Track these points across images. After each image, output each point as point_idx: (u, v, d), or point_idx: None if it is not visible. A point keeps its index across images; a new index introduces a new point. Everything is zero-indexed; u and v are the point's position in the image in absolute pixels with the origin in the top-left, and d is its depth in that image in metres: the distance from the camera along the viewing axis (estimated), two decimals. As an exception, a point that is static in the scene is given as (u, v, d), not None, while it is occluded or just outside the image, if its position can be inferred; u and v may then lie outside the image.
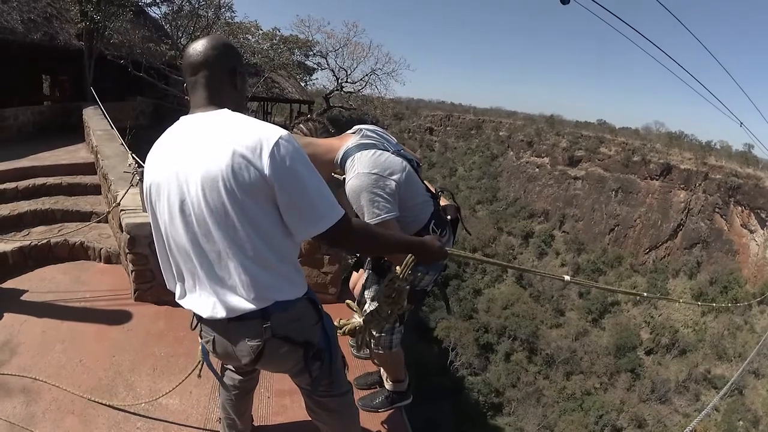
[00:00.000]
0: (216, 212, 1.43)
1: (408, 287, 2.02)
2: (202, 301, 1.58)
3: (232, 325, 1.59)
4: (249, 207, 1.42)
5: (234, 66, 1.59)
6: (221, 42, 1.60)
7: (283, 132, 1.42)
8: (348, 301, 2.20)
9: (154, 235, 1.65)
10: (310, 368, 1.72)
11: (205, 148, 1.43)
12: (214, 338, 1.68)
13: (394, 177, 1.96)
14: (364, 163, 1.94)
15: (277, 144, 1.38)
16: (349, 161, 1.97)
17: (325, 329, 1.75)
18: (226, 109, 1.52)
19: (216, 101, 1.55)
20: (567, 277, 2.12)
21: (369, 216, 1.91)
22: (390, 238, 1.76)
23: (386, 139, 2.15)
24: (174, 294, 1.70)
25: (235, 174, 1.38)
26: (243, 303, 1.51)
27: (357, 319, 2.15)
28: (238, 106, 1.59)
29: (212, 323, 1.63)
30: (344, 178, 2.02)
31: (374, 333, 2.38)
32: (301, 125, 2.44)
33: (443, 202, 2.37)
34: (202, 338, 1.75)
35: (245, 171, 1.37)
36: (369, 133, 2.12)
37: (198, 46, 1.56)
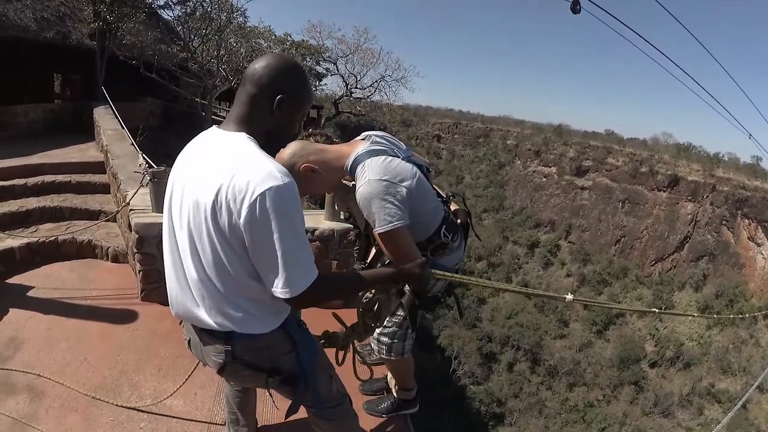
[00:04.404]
0: (196, 238, 1.46)
1: (389, 301, 2.02)
2: (179, 302, 1.61)
3: (203, 335, 1.62)
4: (223, 246, 1.42)
5: (281, 92, 1.50)
6: (280, 64, 1.52)
7: (277, 183, 1.34)
8: (335, 311, 2.18)
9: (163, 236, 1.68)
10: (278, 390, 1.75)
11: (205, 174, 1.43)
12: (190, 339, 1.72)
13: (404, 183, 1.92)
14: (375, 170, 1.90)
15: (262, 195, 1.32)
16: (359, 168, 1.95)
17: (299, 358, 1.69)
18: (244, 135, 1.48)
19: (244, 121, 1.51)
20: (569, 296, 2.06)
21: (380, 223, 1.89)
22: (362, 282, 1.76)
23: (395, 144, 2.13)
24: None
25: (215, 212, 1.38)
26: (208, 320, 1.54)
27: (339, 333, 2.16)
28: (270, 134, 1.55)
29: (190, 324, 1.67)
30: (354, 185, 2.00)
31: (356, 344, 2.39)
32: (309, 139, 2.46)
33: (453, 206, 2.36)
34: (184, 335, 1.79)
35: (224, 212, 1.37)
36: (378, 140, 2.10)
37: (260, 61, 1.52)
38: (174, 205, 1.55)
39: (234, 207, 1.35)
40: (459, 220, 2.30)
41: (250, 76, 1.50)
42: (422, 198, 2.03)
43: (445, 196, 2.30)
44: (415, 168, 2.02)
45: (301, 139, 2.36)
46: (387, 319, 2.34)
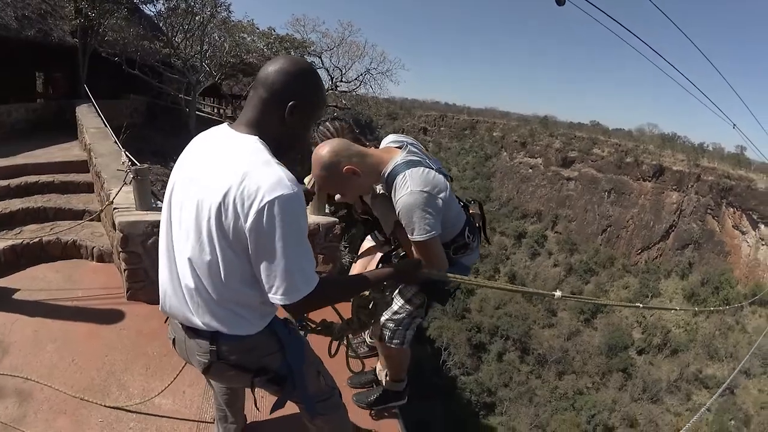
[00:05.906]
0: (195, 238, 1.44)
1: (384, 300, 2.17)
2: (169, 296, 1.60)
3: (189, 331, 1.61)
4: (222, 248, 1.41)
5: (293, 98, 1.47)
6: (294, 69, 1.48)
7: (287, 191, 1.34)
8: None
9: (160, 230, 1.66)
10: (265, 389, 1.76)
11: (212, 175, 1.41)
12: (175, 337, 1.72)
13: (441, 195, 2.03)
14: (417, 181, 2.00)
15: (271, 203, 1.31)
16: (399, 177, 2.03)
17: (286, 357, 1.69)
18: (255, 138, 1.46)
19: (255, 125, 1.49)
20: (558, 293, 2.16)
21: (419, 232, 1.99)
22: (359, 285, 1.89)
23: (425, 155, 2.23)
24: None
25: (220, 213, 1.36)
26: (196, 320, 1.53)
27: (335, 323, 2.18)
28: (282, 139, 1.53)
29: (176, 322, 1.66)
30: (379, 189, 2.17)
31: (350, 336, 2.42)
32: (327, 123, 2.54)
33: (471, 211, 2.45)
34: (168, 334, 1.78)
35: (230, 215, 1.36)
36: (413, 149, 2.19)
37: (273, 64, 1.49)
38: (174, 203, 1.54)
39: (241, 211, 1.34)
40: (477, 224, 2.44)
41: (263, 80, 1.47)
42: (450, 206, 2.16)
43: (464, 202, 2.43)
44: (446, 180, 2.14)
45: (318, 125, 2.53)
46: (401, 305, 2.42)
